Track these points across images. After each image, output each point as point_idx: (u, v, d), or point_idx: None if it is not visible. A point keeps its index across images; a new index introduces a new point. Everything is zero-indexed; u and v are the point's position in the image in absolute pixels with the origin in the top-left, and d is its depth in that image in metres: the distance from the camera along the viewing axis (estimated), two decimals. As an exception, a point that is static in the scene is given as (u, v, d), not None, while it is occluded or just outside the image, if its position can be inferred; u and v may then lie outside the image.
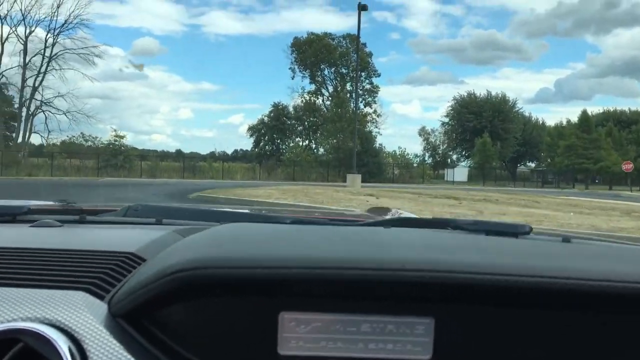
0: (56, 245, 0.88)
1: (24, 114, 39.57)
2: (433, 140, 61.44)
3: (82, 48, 39.72)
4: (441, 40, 79.19)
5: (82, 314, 0.64)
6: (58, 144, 40.61)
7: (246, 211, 1.65)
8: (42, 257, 0.80)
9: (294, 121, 54.83)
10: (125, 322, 0.65)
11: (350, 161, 40.20)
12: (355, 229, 1.12)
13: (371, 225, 1.23)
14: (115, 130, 38.52)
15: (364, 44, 49.37)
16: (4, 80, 39.23)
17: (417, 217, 1.67)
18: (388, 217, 1.67)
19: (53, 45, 39.39)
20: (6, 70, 39.05)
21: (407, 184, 38.14)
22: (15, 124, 40.39)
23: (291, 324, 0.64)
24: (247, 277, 0.63)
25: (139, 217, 1.28)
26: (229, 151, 64.80)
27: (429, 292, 0.63)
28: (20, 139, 39.52)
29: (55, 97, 39.71)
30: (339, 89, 48.48)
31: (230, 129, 78.64)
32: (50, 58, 39.28)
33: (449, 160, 60.49)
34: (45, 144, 40.51)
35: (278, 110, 54.42)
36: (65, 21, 39.23)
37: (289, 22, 75.82)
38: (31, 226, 1.07)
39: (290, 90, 67.27)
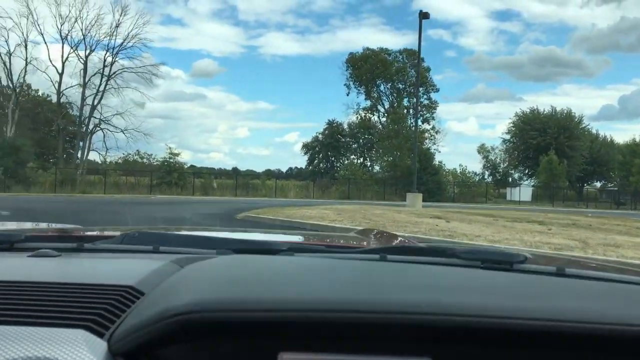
0: (55, 277, 0.86)
1: (82, 131, 39.42)
2: (493, 158, 58.08)
3: (140, 67, 39.42)
4: (498, 57, 75.61)
5: (82, 353, 0.62)
6: (120, 161, 40.25)
7: (241, 237, 1.59)
8: (41, 291, 0.79)
9: (348, 139, 53.10)
10: None
11: (408, 179, 37.92)
12: (353, 263, 1.06)
13: (367, 253, 1.19)
14: (170, 148, 37.55)
15: (422, 59, 47.07)
16: (64, 99, 39.30)
17: (413, 245, 1.56)
18: (385, 243, 1.61)
19: (112, 64, 39.26)
20: (67, 89, 39.15)
21: (468, 203, 35.38)
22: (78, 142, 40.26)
23: None
24: (248, 320, 0.64)
25: (136, 245, 1.23)
26: (284, 169, 63.77)
27: (427, 333, 0.64)
28: (79, 157, 39.34)
29: (114, 115, 39.50)
30: (395, 105, 46.22)
31: (285, 147, 77.76)
32: (109, 77, 39.11)
33: (509, 178, 56.88)
34: (104, 162, 40.29)
35: (332, 128, 52.93)
36: (124, 41, 39.04)
37: (345, 41, 74.49)
38: (29, 256, 1.04)
39: (345, 106, 65.18)
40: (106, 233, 1.48)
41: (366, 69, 45.80)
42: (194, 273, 0.85)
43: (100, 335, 0.67)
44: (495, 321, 0.64)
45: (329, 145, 52.63)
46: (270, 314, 0.64)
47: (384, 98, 48.46)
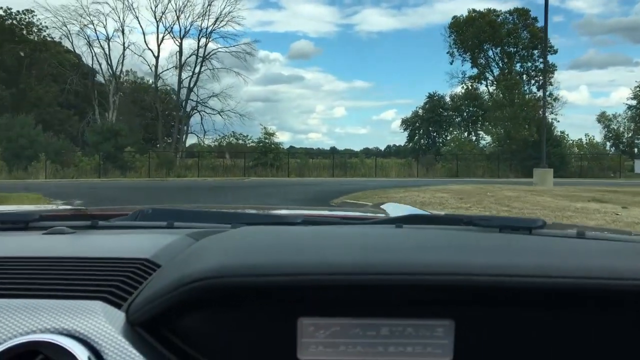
0: (70, 253, 0.85)
1: (180, 114, 37.96)
2: (615, 127, 50.00)
3: (234, 46, 37.08)
4: (611, 19, 64.78)
5: (101, 323, 0.62)
6: (217, 144, 38.41)
7: (256, 212, 1.56)
8: (57, 266, 0.77)
9: (451, 112, 47.89)
10: (144, 330, 0.63)
11: (524, 153, 32.61)
12: (369, 229, 1.05)
13: (383, 223, 1.16)
14: (265, 128, 34.86)
15: (535, 18, 40.59)
16: (160, 82, 37.96)
17: (428, 213, 1.52)
18: (399, 213, 1.52)
19: (205, 45, 37.26)
20: (163, 72, 37.75)
21: (597, 178, 29.48)
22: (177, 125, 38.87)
23: (310, 329, 0.62)
24: (265, 285, 0.62)
25: (150, 221, 1.20)
26: (382, 147, 59.83)
27: (448, 295, 0.62)
28: (177, 140, 37.96)
29: (210, 97, 37.62)
30: (506, 71, 40.30)
31: (382, 125, 73.25)
32: (204, 58, 37.17)
33: (635, 149, 48.71)
34: (202, 144, 38.67)
35: (433, 102, 47.97)
36: (216, 19, 36.78)
37: (443, 13, 67.92)
38: (44, 233, 1.03)
39: (449, 76, 58.32)
40: (121, 211, 1.41)
41: (472, 32, 40.10)
42: (210, 244, 0.83)
43: (118, 306, 0.66)
44: (517, 280, 0.61)
45: (429, 120, 47.79)
46: (289, 278, 0.61)
47: (493, 64, 42.47)
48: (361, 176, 31.50)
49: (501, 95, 36.16)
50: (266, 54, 72.24)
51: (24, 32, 35.87)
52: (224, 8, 37.28)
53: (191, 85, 37.33)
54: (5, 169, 26.86)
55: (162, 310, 0.61)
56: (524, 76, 39.60)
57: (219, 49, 37.49)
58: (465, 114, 46.79)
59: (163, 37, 37.05)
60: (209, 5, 36.42)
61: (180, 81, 37.17)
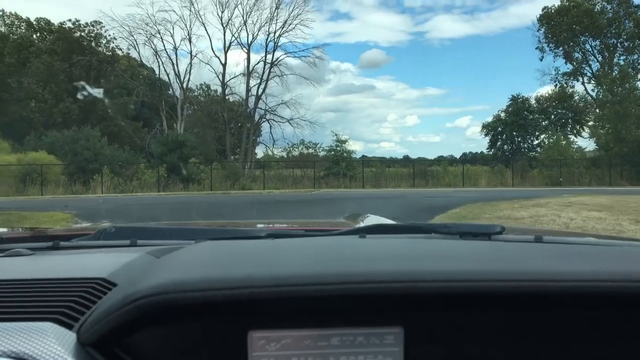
0: (25, 274, 0.81)
1: (248, 126, 35.12)
2: None
3: (303, 50, 33.88)
4: None
5: (50, 344, 0.58)
6: (285, 155, 35.18)
7: (222, 227, 1.52)
8: (9, 288, 0.74)
9: (537, 115, 42.19)
10: (94, 350, 0.60)
11: (639, 156, 26.97)
12: (329, 239, 1.04)
13: (346, 234, 1.13)
14: (336, 135, 31.16)
15: (637, 6, 34.43)
16: (228, 90, 35.34)
17: (393, 222, 1.51)
18: (364, 224, 1.49)
19: (274, 50, 34.26)
20: (231, 79, 35.12)
21: None
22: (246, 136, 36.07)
23: (261, 342, 0.60)
24: (210, 300, 0.59)
25: (113, 240, 1.17)
26: (457, 155, 54.55)
27: (396, 302, 0.60)
28: (245, 150, 35.11)
29: (279, 104, 34.51)
30: (606, 67, 34.33)
31: (456, 132, 67.58)
32: (272, 64, 34.17)
33: None
34: (269, 154, 35.60)
35: (517, 104, 42.49)
36: (285, 22, 33.72)
37: (517, 16, 61.56)
38: (1, 256, 0.99)
39: (540, 73, 51.85)
40: (84, 231, 1.35)
41: (566, 24, 34.62)
42: (166, 260, 0.79)
43: (70, 327, 0.63)
44: (463, 285, 0.59)
45: (513, 124, 42.31)
46: (234, 292, 0.59)
47: (591, 58, 36.59)
48: (446, 186, 27.06)
49: (607, 90, 30.37)
50: (337, 64, 68.98)
51: (93, 44, 34.50)
52: (292, 11, 34.08)
53: (259, 93, 34.50)
54: (66, 184, 24.88)
55: (110, 329, 0.59)
56: (630, 70, 33.52)
57: (288, 54, 34.48)
58: (552, 117, 40.97)
59: (230, 43, 34.54)
60: (277, 8, 33.51)
61: (248, 89, 34.44)
